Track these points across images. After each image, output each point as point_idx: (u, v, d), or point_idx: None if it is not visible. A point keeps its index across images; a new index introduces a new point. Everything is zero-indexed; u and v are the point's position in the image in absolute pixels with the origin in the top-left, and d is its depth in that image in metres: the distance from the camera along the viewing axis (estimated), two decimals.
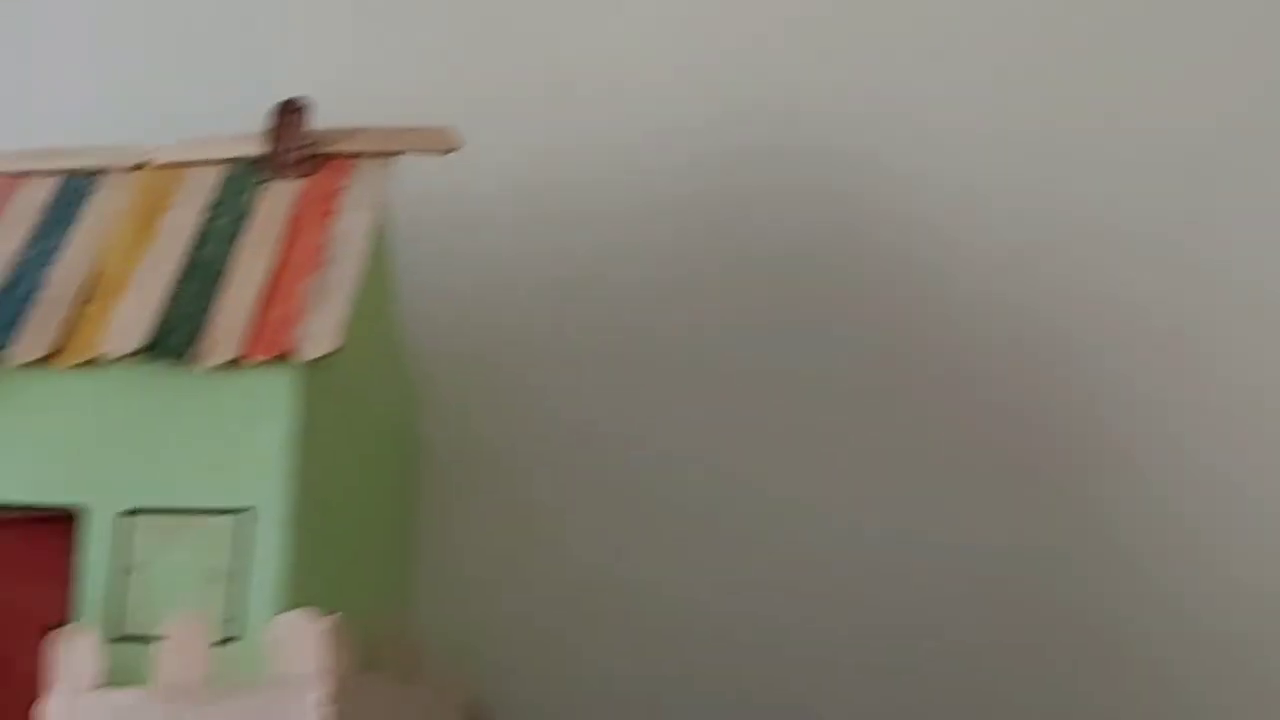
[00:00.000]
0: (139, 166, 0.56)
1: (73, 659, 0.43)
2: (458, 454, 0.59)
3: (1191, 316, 0.59)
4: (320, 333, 0.48)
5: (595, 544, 0.58)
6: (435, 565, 0.59)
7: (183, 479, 0.47)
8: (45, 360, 0.49)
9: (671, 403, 0.60)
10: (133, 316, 0.49)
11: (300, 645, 0.42)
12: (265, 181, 0.54)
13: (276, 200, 0.54)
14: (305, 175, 0.55)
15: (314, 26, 0.69)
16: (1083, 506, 0.57)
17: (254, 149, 0.55)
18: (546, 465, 0.60)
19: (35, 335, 0.49)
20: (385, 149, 0.55)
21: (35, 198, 0.56)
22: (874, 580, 0.58)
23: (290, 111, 0.56)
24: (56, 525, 0.47)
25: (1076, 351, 0.58)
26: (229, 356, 0.48)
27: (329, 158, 0.55)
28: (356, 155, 0.55)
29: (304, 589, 0.47)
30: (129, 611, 0.46)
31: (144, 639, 0.45)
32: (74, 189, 0.56)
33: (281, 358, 0.48)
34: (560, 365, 0.60)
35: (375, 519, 0.56)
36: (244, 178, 0.55)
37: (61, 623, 0.47)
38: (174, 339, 0.49)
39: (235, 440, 0.47)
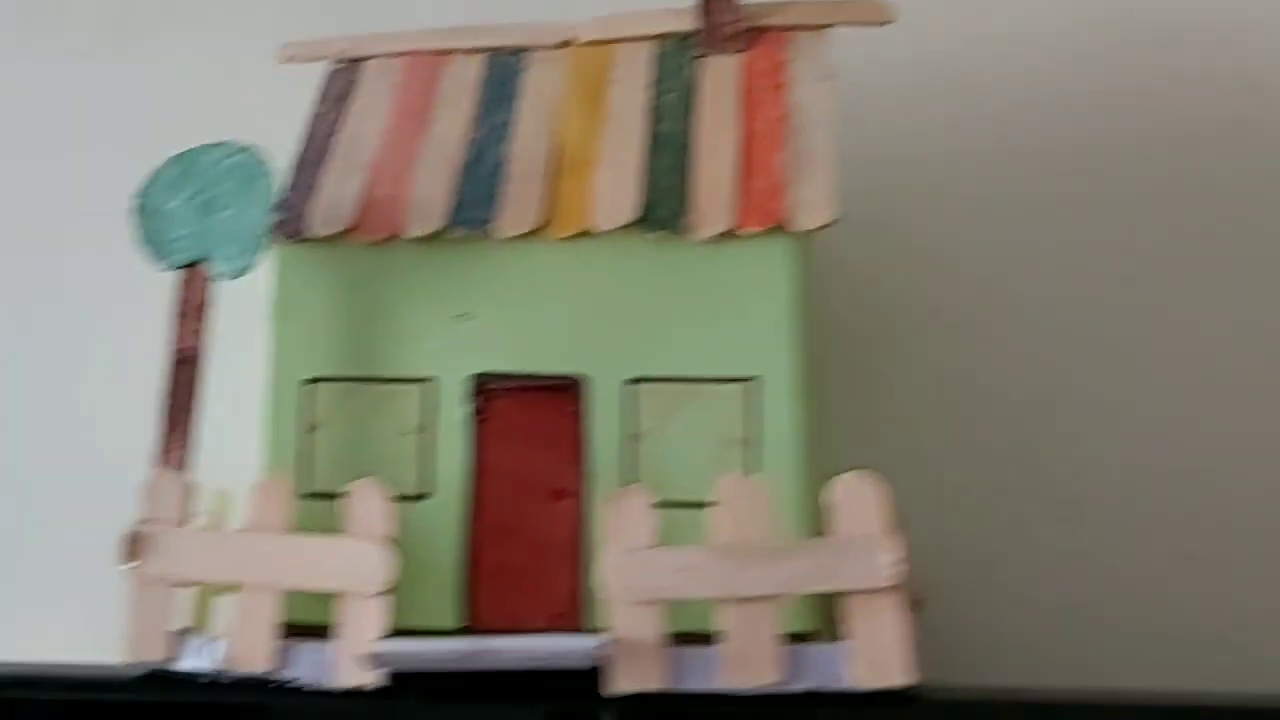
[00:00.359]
0: (565, 44, 0.56)
1: (626, 519, 0.44)
2: (865, 320, 0.60)
3: None
4: (813, 203, 0.48)
5: (1004, 408, 0.59)
6: (846, 433, 0.59)
7: (684, 348, 0.48)
8: (532, 234, 0.50)
9: (1074, 270, 0.60)
10: (615, 190, 0.50)
11: (863, 506, 0.43)
12: (701, 56, 0.55)
13: (720, 74, 0.54)
14: (741, 50, 0.55)
15: None
16: None
17: (683, 24, 0.55)
18: (951, 330, 0.61)
19: (518, 210, 0.50)
20: (820, 21, 0.55)
21: (465, 75, 0.56)
22: None
23: None
24: (559, 394, 0.49)
25: None
26: (723, 228, 0.48)
27: (762, 31, 0.55)
28: (790, 28, 0.55)
29: (811, 454, 0.48)
30: (640, 477, 0.48)
31: (660, 504, 0.47)
32: (503, 66, 0.56)
33: (777, 228, 0.48)
34: (965, 233, 0.61)
35: (821, 386, 0.57)
36: (678, 53, 0.55)
37: (567, 488, 0.48)
38: (662, 211, 0.49)
39: (735, 310, 0.48)
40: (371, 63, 0.58)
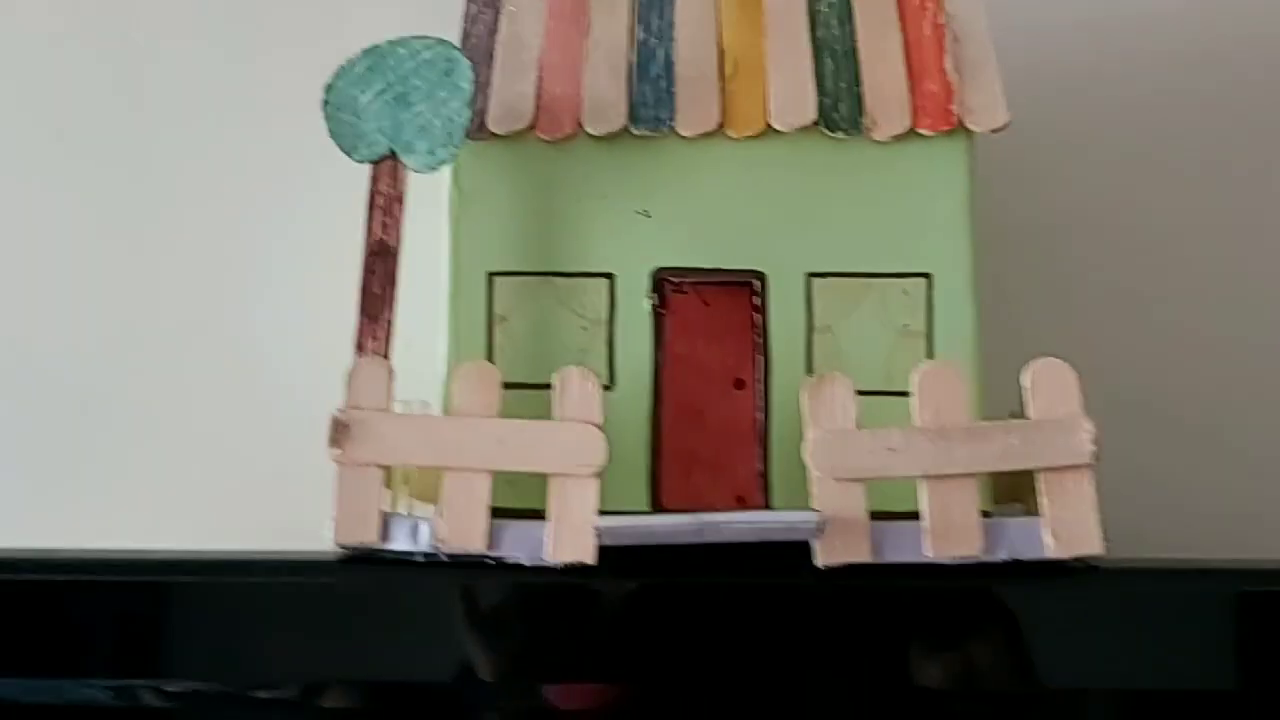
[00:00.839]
0: None
1: (829, 403, 0.46)
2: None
3: None
4: (985, 107, 0.51)
5: (1125, 316, 0.63)
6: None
7: (861, 245, 0.50)
8: (711, 134, 0.51)
9: (1184, 194, 0.65)
10: (790, 92, 0.51)
11: (1057, 389, 0.46)
12: None
13: None
14: None
15: None
16: None
17: None
18: (1079, 239, 0.65)
19: (696, 110, 0.51)
20: None
21: None
22: None
23: None
24: (739, 288, 0.51)
25: None
26: (901, 129, 0.51)
27: None
28: None
29: (980, 345, 0.50)
30: (818, 367, 0.50)
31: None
32: None
33: (954, 130, 0.50)
34: (1098, 140, 0.65)
35: None
36: None
37: (747, 378, 0.50)
38: (840, 113, 0.51)
39: (912, 208, 0.50)
40: None
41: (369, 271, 0.48)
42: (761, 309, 0.51)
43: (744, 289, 0.51)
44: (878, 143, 0.51)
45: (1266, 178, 0.66)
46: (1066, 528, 0.45)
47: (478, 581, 0.45)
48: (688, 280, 0.51)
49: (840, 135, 0.51)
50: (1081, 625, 0.45)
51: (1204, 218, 0.65)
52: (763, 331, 0.50)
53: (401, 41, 0.49)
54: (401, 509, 0.53)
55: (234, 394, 0.64)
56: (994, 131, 0.50)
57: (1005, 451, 0.46)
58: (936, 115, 0.51)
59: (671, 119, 0.51)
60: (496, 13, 0.56)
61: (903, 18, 0.54)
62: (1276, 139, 0.66)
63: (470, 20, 0.56)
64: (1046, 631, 0.45)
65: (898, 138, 0.51)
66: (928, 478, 0.46)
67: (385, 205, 0.49)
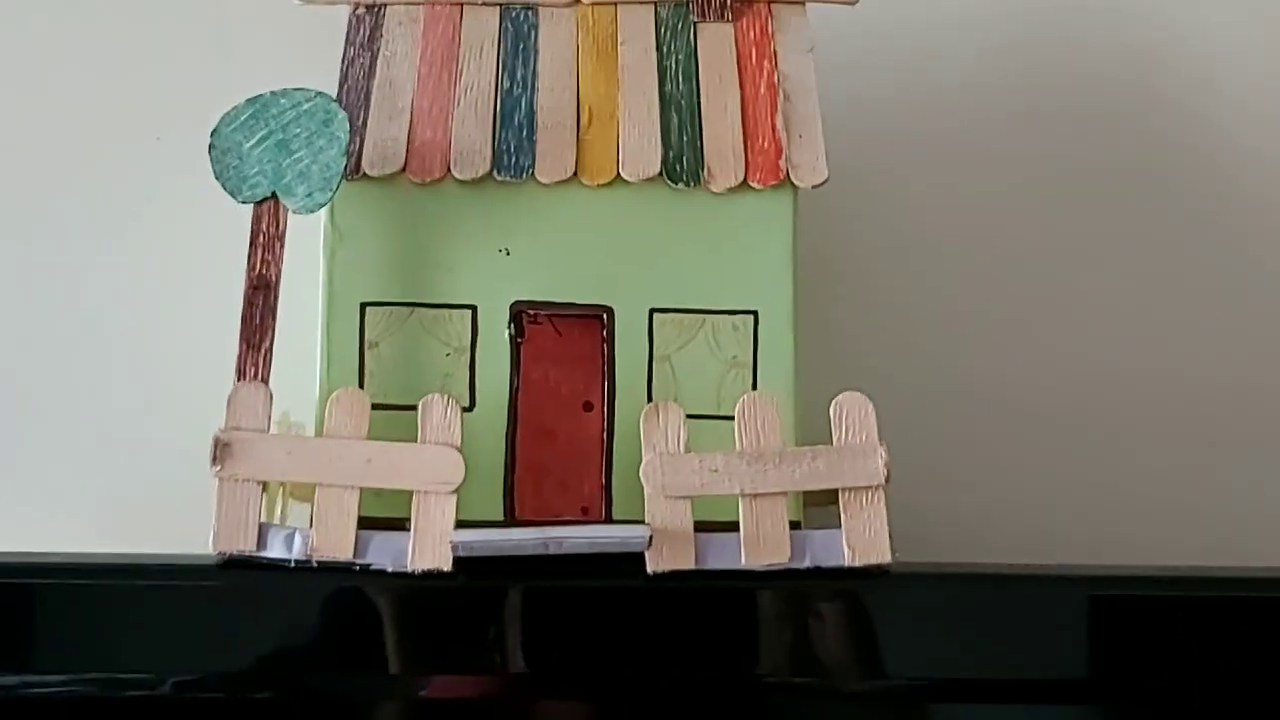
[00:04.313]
0: (573, 3, 0.63)
1: (663, 428, 0.53)
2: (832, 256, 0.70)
3: None
4: (809, 164, 0.57)
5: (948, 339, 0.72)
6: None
7: (697, 284, 0.57)
8: (567, 181, 0.57)
9: (1010, 215, 0.74)
10: (639, 144, 0.57)
11: (857, 419, 0.52)
12: (697, 23, 0.62)
13: (715, 42, 0.61)
14: (730, 20, 0.62)
15: None
16: None
17: None
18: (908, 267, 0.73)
19: (554, 158, 0.57)
20: None
21: (483, 27, 0.62)
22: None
23: None
24: (589, 321, 0.56)
25: None
26: (735, 182, 0.57)
27: (749, 3, 0.63)
28: (772, 2, 0.63)
29: (799, 376, 0.57)
30: (657, 393, 0.56)
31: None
32: (518, 20, 0.62)
33: (781, 184, 0.57)
34: (920, 181, 0.73)
35: None
36: (675, 19, 0.62)
37: (594, 402, 0.56)
38: (682, 165, 0.57)
39: (742, 252, 0.57)
40: (393, 9, 0.63)
41: (250, 304, 0.53)
42: (609, 339, 0.57)
43: (594, 321, 0.57)
44: (714, 193, 0.57)
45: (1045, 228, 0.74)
46: (861, 540, 0.52)
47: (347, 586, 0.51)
48: (543, 312, 0.57)
49: (681, 186, 0.57)
50: (874, 622, 0.52)
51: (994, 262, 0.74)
52: (609, 360, 0.57)
53: (284, 93, 0.54)
54: (278, 506, 0.59)
55: (128, 408, 0.69)
56: (814, 187, 0.57)
57: (811, 473, 0.52)
58: (766, 170, 0.57)
59: (531, 167, 0.57)
60: (373, 57, 0.61)
61: (741, 75, 0.60)
62: (1048, 186, 0.74)
63: (348, 63, 0.61)
64: (843, 627, 0.52)
65: (732, 189, 0.57)
66: (744, 495, 0.52)
67: (266, 243, 0.53)
